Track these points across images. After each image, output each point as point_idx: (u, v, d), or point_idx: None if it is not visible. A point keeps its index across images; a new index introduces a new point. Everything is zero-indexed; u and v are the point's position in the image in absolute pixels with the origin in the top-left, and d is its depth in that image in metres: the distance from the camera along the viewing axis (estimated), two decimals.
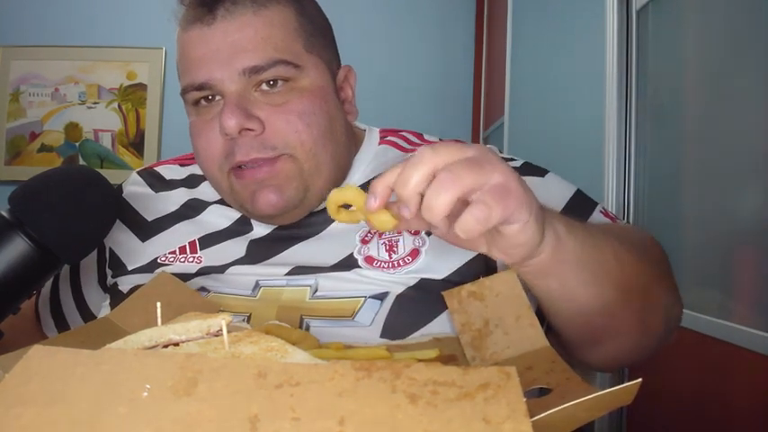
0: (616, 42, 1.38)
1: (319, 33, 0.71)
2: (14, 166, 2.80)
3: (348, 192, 0.51)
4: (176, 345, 0.45)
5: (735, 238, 1.00)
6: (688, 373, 1.09)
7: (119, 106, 2.81)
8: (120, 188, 0.82)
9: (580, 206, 0.72)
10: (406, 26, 2.80)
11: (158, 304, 0.49)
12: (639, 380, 0.39)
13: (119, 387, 0.34)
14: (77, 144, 2.81)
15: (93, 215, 0.62)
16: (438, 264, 0.67)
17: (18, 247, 0.57)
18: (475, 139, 2.74)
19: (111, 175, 0.68)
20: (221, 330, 0.44)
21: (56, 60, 2.79)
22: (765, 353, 0.87)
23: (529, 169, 0.74)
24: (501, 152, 0.78)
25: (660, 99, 1.28)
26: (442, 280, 0.67)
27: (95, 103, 2.81)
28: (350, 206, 0.52)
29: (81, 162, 2.80)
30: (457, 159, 0.45)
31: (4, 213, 0.58)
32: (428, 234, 0.69)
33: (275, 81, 0.66)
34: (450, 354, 0.58)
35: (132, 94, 2.81)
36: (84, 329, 0.62)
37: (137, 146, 2.80)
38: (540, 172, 0.75)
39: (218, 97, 0.67)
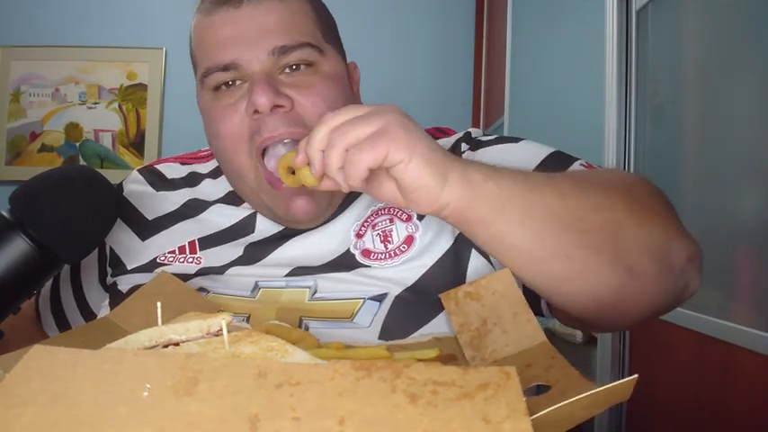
0: (616, 42, 1.38)
1: (331, 29, 0.73)
2: (15, 166, 2.80)
3: (291, 155, 0.59)
4: (176, 345, 0.45)
5: (735, 238, 1.00)
6: (688, 372, 1.09)
7: (119, 106, 2.81)
8: (120, 186, 0.82)
9: (556, 162, 0.69)
10: (406, 25, 2.80)
11: (158, 304, 0.50)
12: (635, 376, 0.40)
13: (119, 387, 0.34)
14: (78, 144, 2.81)
15: (94, 215, 0.62)
16: (432, 247, 0.68)
17: (18, 247, 0.57)
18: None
19: (111, 175, 0.68)
20: (221, 330, 0.44)
21: (56, 60, 2.80)
22: (765, 353, 0.87)
23: (502, 139, 0.75)
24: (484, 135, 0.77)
25: (660, 99, 1.28)
26: (437, 265, 0.67)
27: (96, 103, 2.82)
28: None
29: (81, 162, 2.80)
30: (350, 118, 0.51)
31: (5, 213, 0.58)
32: (419, 219, 0.70)
33: (299, 65, 0.67)
34: (450, 353, 0.58)
35: (132, 95, 2.81)
36: (84, 329, 0.62)
37: (137, 146, 2.81)
38: (515, 139, 0.75)
39: (238, 82, 0.67)
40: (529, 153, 0.71)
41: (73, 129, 2.81)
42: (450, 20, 2.83)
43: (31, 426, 0.32)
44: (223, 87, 0.68)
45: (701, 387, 1.05)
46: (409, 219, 0.70)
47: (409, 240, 0.69)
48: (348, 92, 0.72)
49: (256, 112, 0.65)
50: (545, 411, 0.36)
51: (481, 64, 2.75)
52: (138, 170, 0.84)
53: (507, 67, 2.25)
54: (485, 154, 0.71)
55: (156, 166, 0.84)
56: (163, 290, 0.64)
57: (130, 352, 0.37)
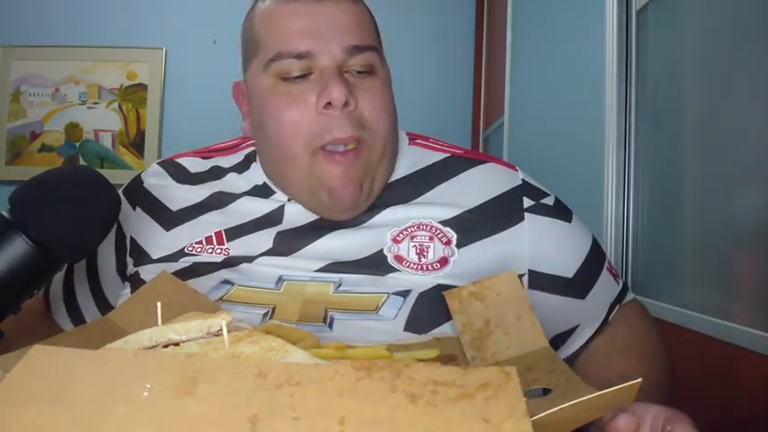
0: (616, 42, 1.38)
1: (380, 39, 0.76)
2: (15, 166, 2.80)
3: None
4: (176, 345, 0.45)
5: (735, 238, 1.00)
6: (688, 373, 1.09)
7: (119, 106, 2.81)
8: (139, 179, 0.82)
9: (595, 258, 0.77)
10: (406, 25, 2.80)
11: (158, 304, 0.50)
12: (639, 380, 0.39)
13: (119, 387, 0.34)
14: (78, 144, 2.82)
15: (94, 215, 0.62)
16: (465, 276, 0.69)
17: (18, 246, 0.57)
18: (475, 139, 2.75)
19: (111, 175, 0.68)
20: (221, 330, 0.44)
21: (56, 60, 2.80)
22: (765, 353, 0.87)
23: (558, 210, 0.77)
24: (500, 154, 0.80)
25: (660, 99, 1.28)
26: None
27: (96, 103, 2.82)
28: None
29: (81, 162, 2.80)
30: None
31: (5, 213, 0.58)
32: (458, 246, 0.71)
33: (362, 69, 0.70)
34: (451, 354, 0.58)
35: (132, 95, 2.81)
36: (84, 329, 0.62)
37: (137, 146, 2.81)
38: (568, 216, 0.77)
39: (305, 75, 0.69)
40: (579, 241, 0.77)
41: (73, 129, 2.82)
42: (451, 20, 2.83)
43: (32, 425, 0.32)
44: (291, 77, 0.69)
45: (701, 387, 1.05)
46: (449, 243, 0.71)
47: (443, 261, 0.70)
48: (393, 99, 0.75)
49: (329, 104, 0.67)
50: (547, 413, 0.36)
51: (481, 64, 2.75)
52: (157, 163, 0.84)
53: (507, 67, 2.25)
54: (543, 225, 0.74)
55: (176, 160, 0.84)
56: (163, 290, 0.64)
57: (130, 352, 0.37)
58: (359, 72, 0.69)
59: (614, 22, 1.39)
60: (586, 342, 0.77)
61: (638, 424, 0.45)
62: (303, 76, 0.69)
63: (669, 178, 1.23)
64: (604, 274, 0.77)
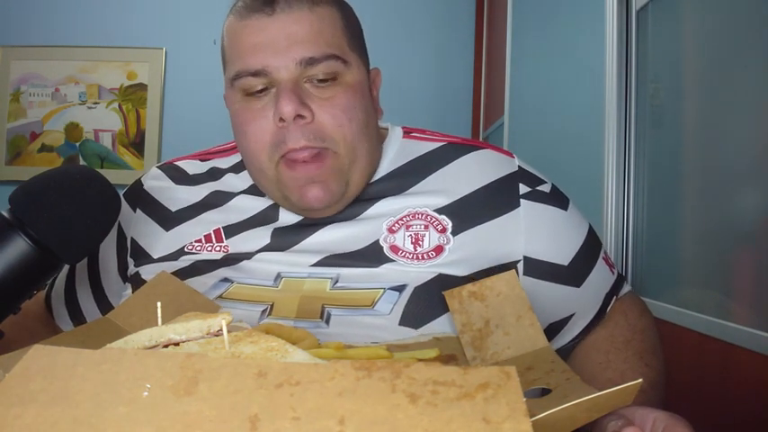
0: (616, 42, 1.38)
1: (357, 36, 0.76)
2: (15, 166, 2.80)
3: None
4: (176, 344, 0.45)
5: (735, 238, 1.00)
6: (688, 372, 1.09)
7: (119, 106, 2.81)
8: (139, 182, 0.84)
9: (591, 247, 0.77)
10: (407, 26, 2.80)
11: (158, 304, 0.50)
12: (639, 380, 0.39)
13: (119, 387, 0.34)
14: (78, 144, 2.82)
15: (94, 215, 0.62)
16: (461, 263, 0.70)
17: (18, 247, 0.57)
18: (475, 139, 2.74)
19: (111, 175, 0.69)
20: (221, 330, 0.44)
21: (56, 60, 2.80)
22: (765, 353, 0.87)
23: (555, 197, 0.77)
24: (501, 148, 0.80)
25: (660, 99, 1.28)
26: (462, 277, 0.69)
27: (96, 103, 2.82)
28: None
29: (81, 162, 2.80)
30: None
31: (5, 213, 0.58)
32: (454, 234, 0.71)
33: (325, 77, 0.69)
34: (450, 354, 0.58)
35: (132, 95, 2.81)
36: (84, 329, 0.62)
37: (137, 146, 2.81)
38: (564, 203, 0.77)
39: (266, 89, 0.70)
40: (575, 228, 0.77)
41: (73, 129, 2.81)
42: (451, 20, 2.83)
43: (31, 426, 0.32)
44: (252, 92, 0.70)
45: (700, 387, 1.05)
46: (444, 230, 0.72)
47: (438, 250, 0.71)
48: (367, 100, 0.74)
49: (282, 119, 0.67)
50: (547, 413, 0.36)
51: (481, 64, 2.75)
52: (157, 167, 0.85)
53: (507, 67, 2.25)
54: (538, 212, 0.74)
55: (175, 163, 0.85)
56: (163, 290, 0.64)
57: (130, 352, 0.37)
58: (320, 81, 0.69)
59: (614, 22, 1.39)
60: (582, 332, 0.78)
61: None
62: (264, 91, 0.70)
63: (669, 178, 1.23)
64: (600, 263, 0.77)
